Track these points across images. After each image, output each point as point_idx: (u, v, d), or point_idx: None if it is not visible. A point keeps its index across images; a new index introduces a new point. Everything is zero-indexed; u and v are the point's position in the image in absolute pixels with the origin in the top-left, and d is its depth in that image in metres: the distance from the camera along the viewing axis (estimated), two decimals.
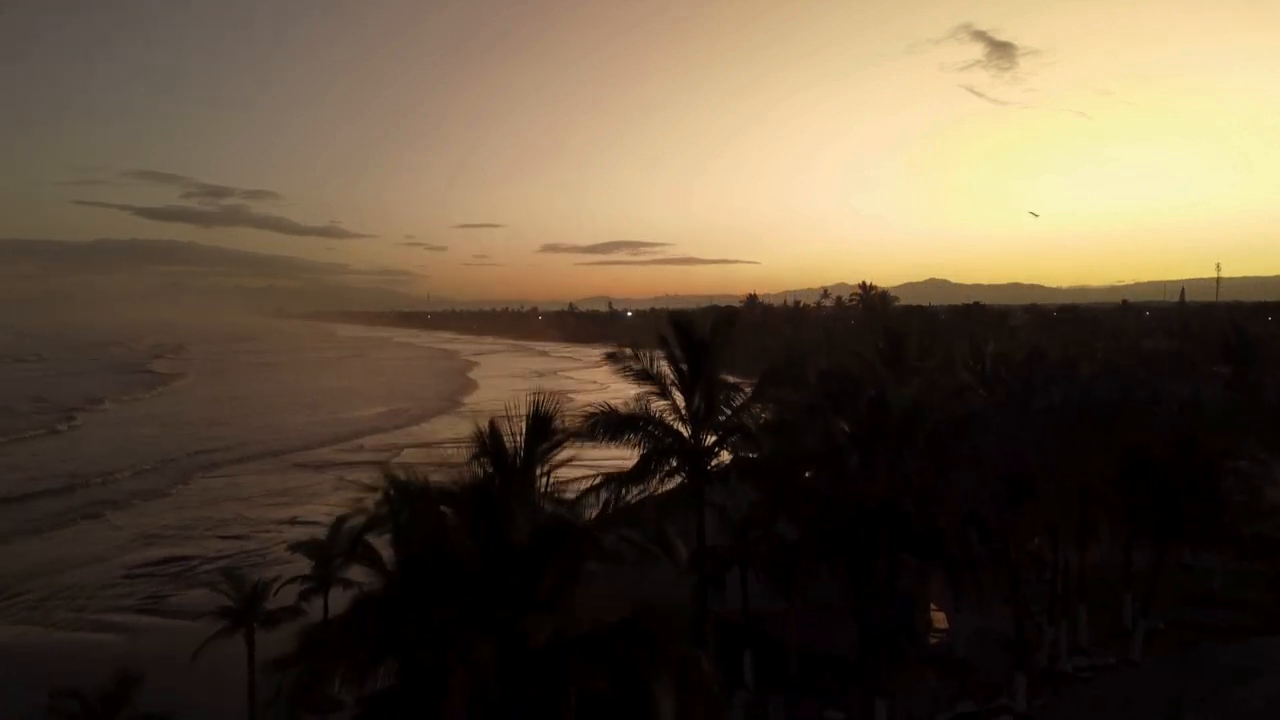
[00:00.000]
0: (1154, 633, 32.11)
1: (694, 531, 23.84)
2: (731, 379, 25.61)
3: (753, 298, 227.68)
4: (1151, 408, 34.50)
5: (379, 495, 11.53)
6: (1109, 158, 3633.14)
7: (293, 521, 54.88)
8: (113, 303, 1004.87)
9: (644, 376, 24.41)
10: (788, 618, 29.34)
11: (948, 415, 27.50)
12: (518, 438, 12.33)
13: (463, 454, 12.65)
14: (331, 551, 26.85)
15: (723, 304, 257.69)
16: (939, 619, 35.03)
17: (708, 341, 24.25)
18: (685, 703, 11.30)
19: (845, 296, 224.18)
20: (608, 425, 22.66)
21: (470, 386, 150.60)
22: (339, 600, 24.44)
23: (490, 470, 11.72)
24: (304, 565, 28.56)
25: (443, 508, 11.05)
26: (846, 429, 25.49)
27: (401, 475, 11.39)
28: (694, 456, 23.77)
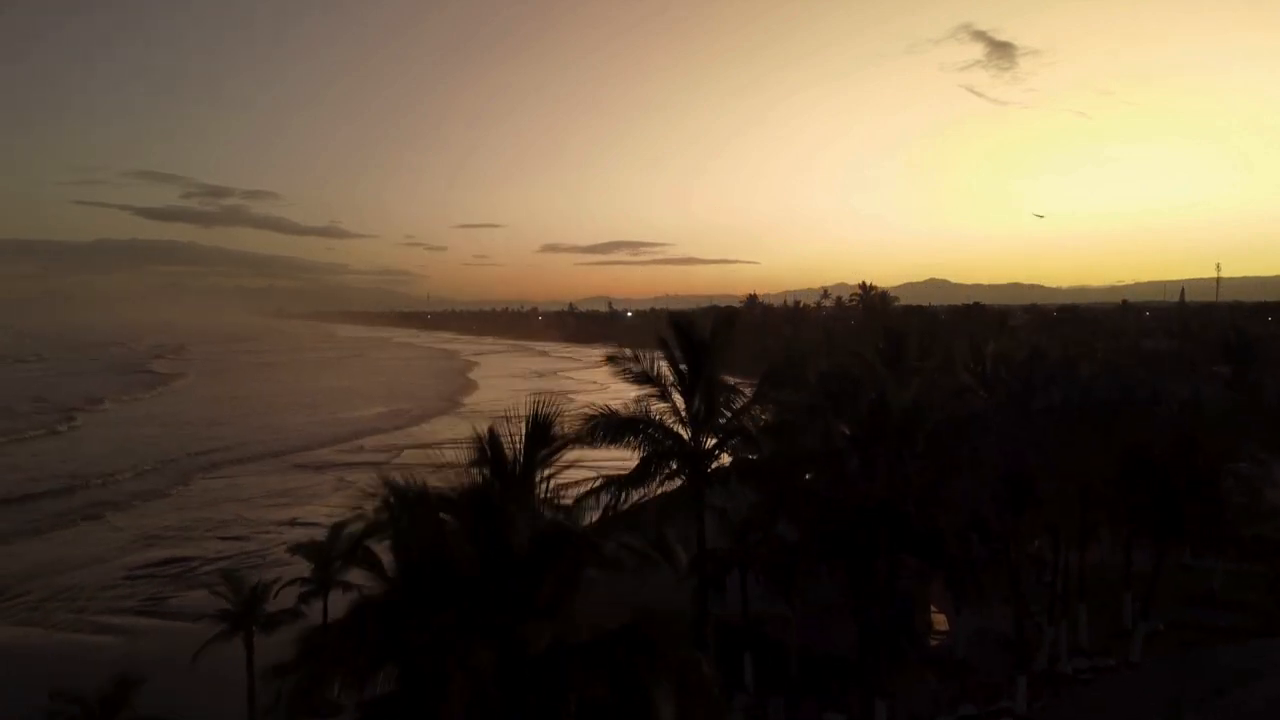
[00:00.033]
0: (1154, 634, 32.11)
1: (694, 534, 23.84)
2: (731, 379, 25.60)
3: (753, 298, 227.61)
4: (1152, 409, 34.50)
5: (378, 501, 11.50)
6: (1109, 158, 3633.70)
7: (293, 523, 54.87)
8: (113, 303, 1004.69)
9: (644, 379, 24.38)
10: (788, 620, 29.33)
11: (948, 416, 27.51)
12: (517, 444, 12.31)
13: (463, 455, 12.62)
14: (331, 554, 26.80)
15: (723, 304, 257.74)
16: (939, 620, 35.03)
17: (707, 343, 24.22)
18: (686, 708, 11.28)
19: (845, 297, 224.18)
20: (607, 428, 22.63)
21: (470, 387, 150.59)
22: (338, 602, 24.43)
23: (489, 476, 11.70)
24: (304, 566, 28.51)
25: (442, 514, 11.02)
26: (846, 431, 25.48)
27: (400, 481, 11.36)
28: (694, 459, 23.74)
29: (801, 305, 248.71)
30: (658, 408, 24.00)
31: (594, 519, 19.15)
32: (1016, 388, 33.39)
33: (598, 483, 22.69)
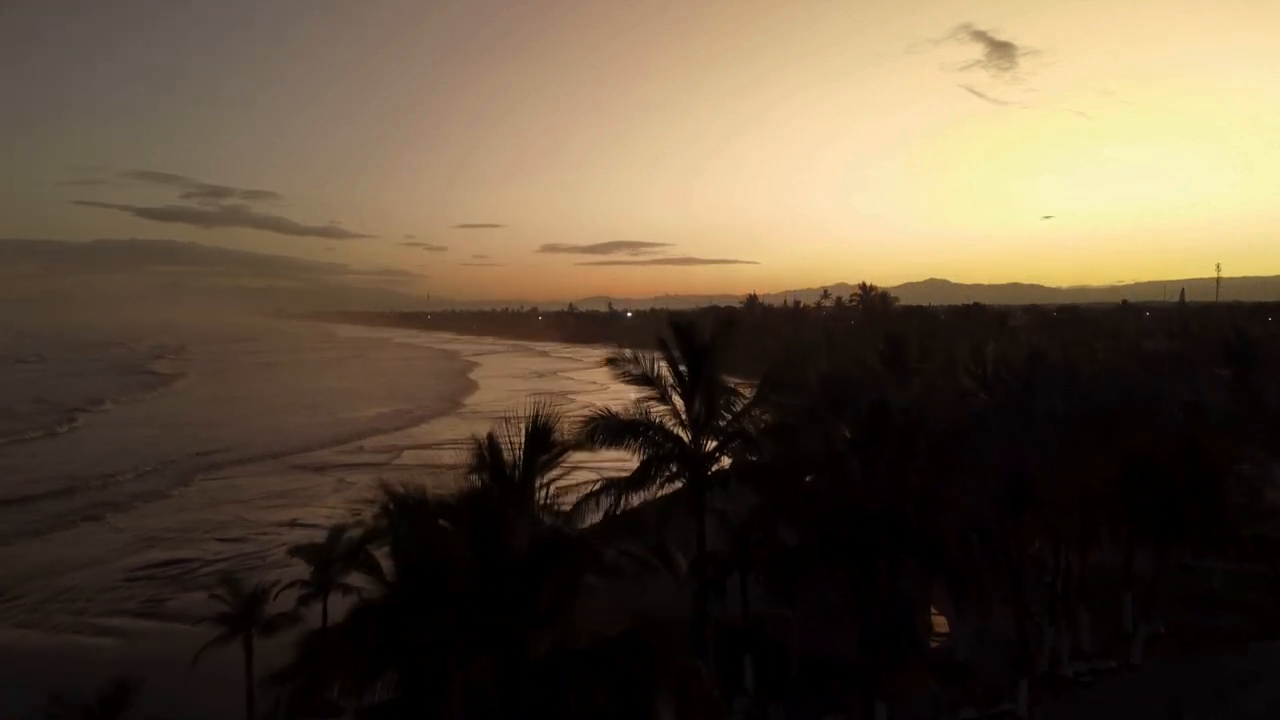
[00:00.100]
0: (1155, 637, 32.06)
1: (694, 537, 23.82)
2: (732, 380, 25.59)
3: (753, 298, 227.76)
4: (1153, 411, 34.43)
5: (377, 508, 11.46)
6: (1109, 158, 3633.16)
7: (292, 524, 54.82)
8: (113, 303, 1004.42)
9: (644, 381, 24.37)
10: (789, 623, 29.29)
11: (949, 419, 27.46)
12: (517, 449, 12.26)
13: (463, 458, 12.57)
14: (330, 557, 26.77)
15: (722, 304, 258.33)
16: (940, 622, 34.97)
17: (708, 346, 24.22)
18: (686, 714, 11.26)
19: (845, 297, 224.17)
20: (607, 431, 22.62)
21: (471, 387, 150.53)
22: (338, 605, 24.39)
23: (489, 482, 11.66)
24: (303, 569, 28.46)
25: (441, 520, 10.99)
26: (847, 434, 25.43)
27: (399, 488, 11.32)
28: (694, 462, 23.73)
29: (801, 305, 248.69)
30: (658, 410, 24.00)
31: (595, 522, 19.08)
32: (1017, 390, 33.31)
33: (598, 485, 22.69)
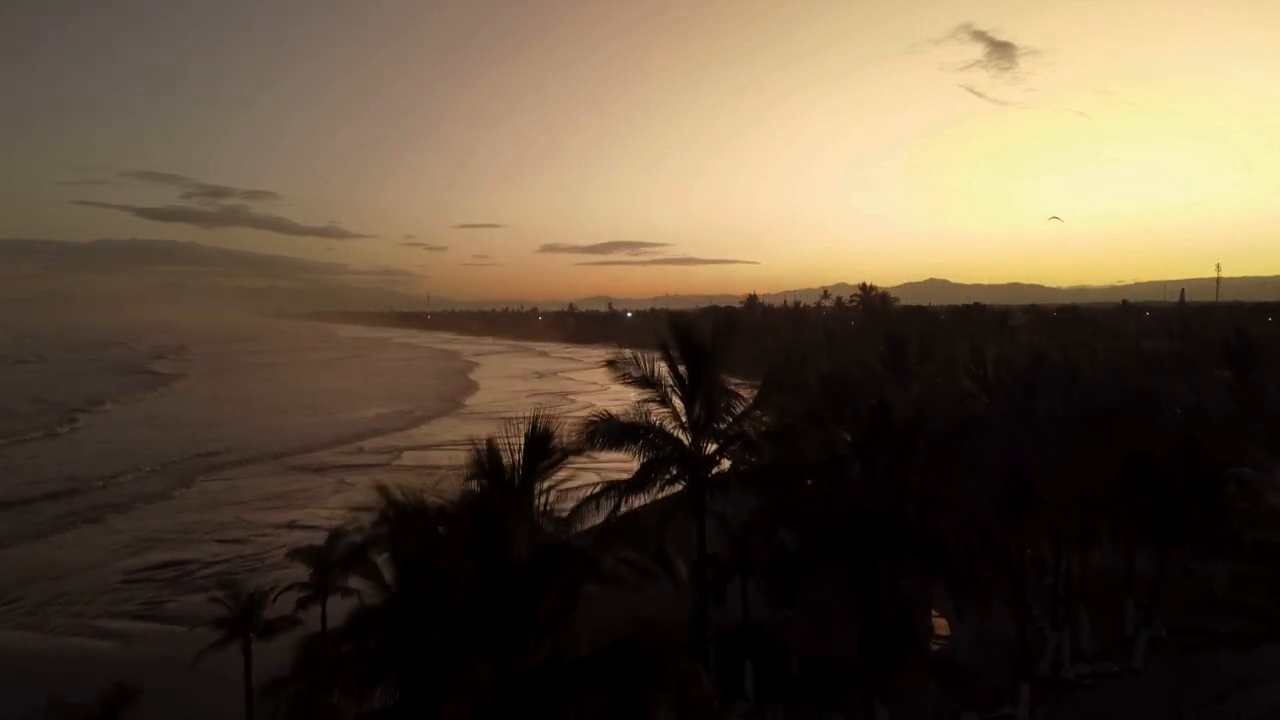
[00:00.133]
0: (1156, 639, 32.00)
1: (694, 539, 23.75)
2: (732, 380, 25.50)
3: (753, 298, 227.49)
4: (1153, 411, 34.38)
5: (375, 514, 11.39)
6: (1109, 158, 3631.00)
7: (291, 525, 54.77)
8: (113, 303, 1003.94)
9: (644, 383, 24.29)
10: (789, 626, 29.22)
11: (949, 421, 27.39)
12: (516, 453, 12.17)
13: (462, 461, 12.48)
14: (329, 560, 26.70)
15: (722, 304, 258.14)
16: (940, 624, 34.90)
17: (708, 348, 24.13)
18: None
19: (845, 297, 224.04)
20: (607, 434, 22.54)
21: (471, 388, 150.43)
22: (337, 608, 24.34)
23: (488, 489, 11.58)
24: (302, 571, 28.40)
25: (440, 528, 10.92)
26: (848, 436, 25.36)
27: (398, 494, 11.24)
28: (694, 465, 23.65)
29: (801, 306, 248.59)
30: (658, 413, 23.91)
31: (594, 530, 19.00)
32: (1018, 393, 33.23)
33: (598, 488, 22.61)
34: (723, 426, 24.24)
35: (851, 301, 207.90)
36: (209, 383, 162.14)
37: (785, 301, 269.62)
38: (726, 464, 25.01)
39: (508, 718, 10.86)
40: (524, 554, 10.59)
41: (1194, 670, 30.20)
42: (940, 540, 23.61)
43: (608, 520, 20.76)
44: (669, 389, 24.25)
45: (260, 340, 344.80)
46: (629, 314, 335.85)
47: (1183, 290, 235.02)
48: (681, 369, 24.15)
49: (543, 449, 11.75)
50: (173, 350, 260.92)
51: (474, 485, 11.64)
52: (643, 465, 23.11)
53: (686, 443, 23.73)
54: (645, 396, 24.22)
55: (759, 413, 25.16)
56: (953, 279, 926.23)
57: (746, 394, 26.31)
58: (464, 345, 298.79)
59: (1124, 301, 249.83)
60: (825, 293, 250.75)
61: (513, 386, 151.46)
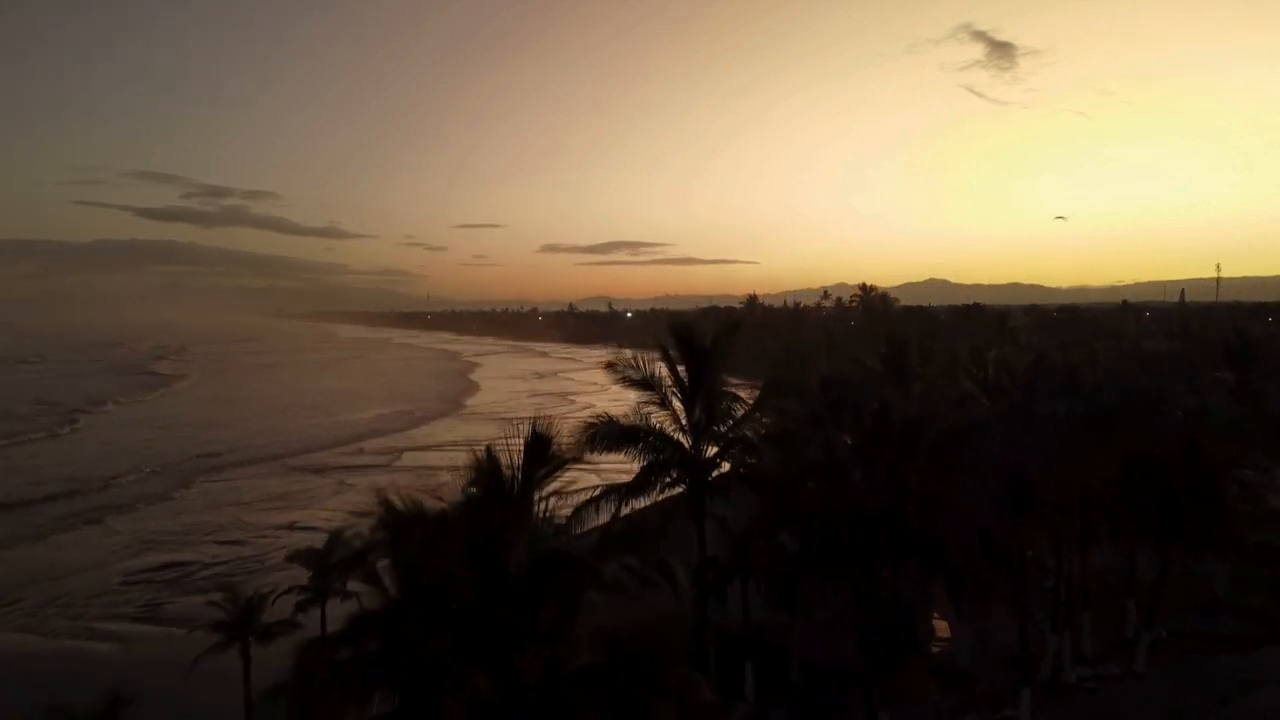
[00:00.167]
0: (1158, 642, 31.92)
1: (695, 542, 23.70)
2: (732, 381, 25.44)
3: (753, 298, 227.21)
4: (1155, 414, 34.35)
5: (374, 520, 11.33)
6: (1109, 158, 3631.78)
7: (291, 527, 54.72)
8: (113, 303, 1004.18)
9: (644, 386, 24.22)
10: (790, 629, 29.16)
11: (950, 424, 27.35)
12: (515, 458, 12.11)
13: (462, 464, 12.42)
14: (328, 562, 26.66)
15: (722, 304, 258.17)
16: (941, 627, 34.85)
17: (708, 351, 24.06)
18: None
19: (845, 297, 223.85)
20: (607, 437, 22.48)
21: (471, 388, 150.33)
22: (336, 611, 24.28)
23: (487, 497, 11.52)
24: (301, 573, 28.35)
25: (439, 535, 10.85)
26: (849, 441, 25.32)
27: (398, 502, 11.18)
28: (695, 468, 23.58)
29: (801, 306, 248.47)
30: (658, 416, 23.84)
31: (594, 533, 18.93)
32: (1019, 396, 33.19)
33: (598, 491, 22.56)
34: (723, 429, 24.17)
35: (851, 302, 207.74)
36: (209, 383, 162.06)
37: (785, 302, 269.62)
38: (726, 466, 24.94)
39: None
40: (523, 563, 10.53)
41: (1195, 673, 30.14)
42: (940, 542, 23.57)
43: (608, 525, 20.69)
44: (669, 391, 24.18)
45: (260, 340, 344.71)
46: (629, 314, 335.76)
47: (1183, 290, 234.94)
48: (681, 372, 24.08)
49: (542, 456, 11.68)
50: (173, 350, 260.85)
51: (473, 491, 11.58)
52: (643, 468, 23.04)
53: (687, 446, 23.66)
54: (645, 399, 24.15)
55: (759, 415, 25.09)
56: (953, 279, 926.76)
57: (747, 395, 26.25)
58: (464, 345, 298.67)
59: (1124, 301, 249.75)
60: (825, 293, 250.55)
61: (513, 387, 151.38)
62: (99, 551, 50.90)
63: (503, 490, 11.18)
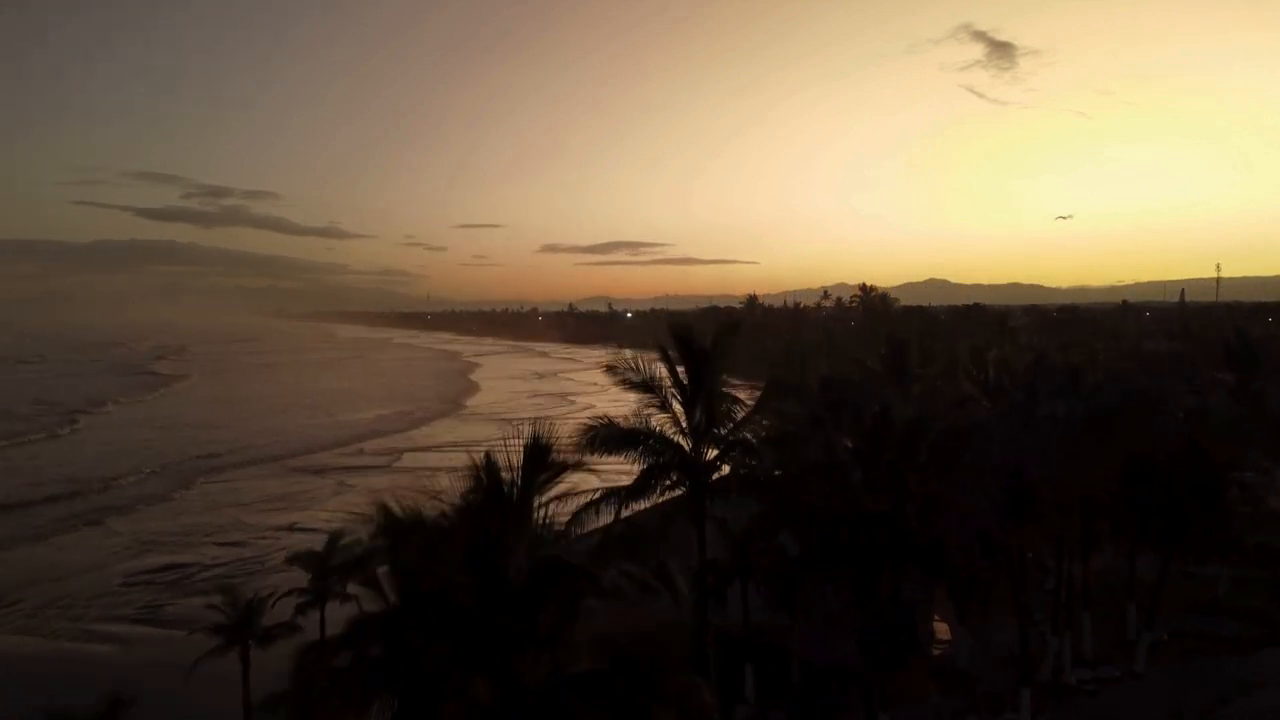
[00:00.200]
0: (1158, 644, 31.93)
1: (695, 545, 23.65)
2: (732, 381, 25.40)
3: (753, 298, 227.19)
4: (1155, 415, 34.33)
5: (373, 526, 11.30)
6: (1109, 158, 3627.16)
7: (291, 528, 54.73)
8: (113, 303, 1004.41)
9: (644, 388, 24.15)
10: (790, 630, 29.16)
11: (950, 426, 27.34)
12: (515, 461, 12.08)
13: (462, 466, 12.39)
14: (328, 565, 26.64)
15: (722, 304, 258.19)
16: (942, 630, 34.85)
17: (708, 353, 23.97)
18: None
19: (845, 297, 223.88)
20: (607, 440, 22.38)
21: (472, 389, 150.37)
22: (336, 613, 24.26)
23: (486, 503, 11.49)
24: (301, 575, 28.33)
25: (438, 542, 10.84)
26: (849, 443, 25.31)
27: (396, 507, 11.15)
28: (695, 470, 23.52)
29: (801, 306, 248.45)
30: (658, 418, 23.77)
31: (594, 536, 18.91)
32: (1019, 397, 33.17)
33: (598, 494, 22.48)
34: (723, 432, 24.10)
35: (851, 302, 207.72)
36: (209, 383, 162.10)
37: (785, 302, 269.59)
38: (726, 469, 24.89)
39: None
40: (523, 569, 10.51)
41: (1196, 674, 30.15)
42: (941, 544, 23.57)
43: (608, 527, 20.64)
44: (669, 393, 24.11)
45: (260, 341, 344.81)
46: (629, 314, 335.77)
47: (1183, 290, 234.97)
48: (681, 373, 24.01)
49: (541, 462, 11.65)
50: (173, 351, 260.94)
51: (473, 497, 11.55)
52: (643, 471, 22.96)
53: (687, 448, 23.58)
54: (645, 400, 24.09)
55: (760, 417, 25.03)
56: (953, 279, 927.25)
57: (747, 396, 26.21)
58: (464, 346, 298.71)
59: (1124, 301, 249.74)
60: (825, 293, 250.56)
61: (513, 387, 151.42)
62: (99, 553, 50.91)
63: (502, 496, 11.16)
